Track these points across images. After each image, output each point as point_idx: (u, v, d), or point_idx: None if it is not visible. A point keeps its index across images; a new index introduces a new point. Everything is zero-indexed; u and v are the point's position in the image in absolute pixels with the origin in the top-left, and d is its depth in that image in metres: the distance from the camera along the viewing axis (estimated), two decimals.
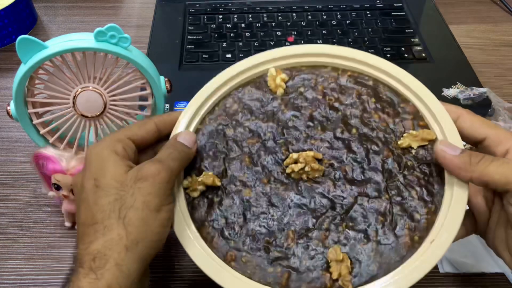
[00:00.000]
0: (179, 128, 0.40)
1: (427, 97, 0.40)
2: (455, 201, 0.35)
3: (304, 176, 0.39)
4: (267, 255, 0.36)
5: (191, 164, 0.40)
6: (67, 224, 0.48)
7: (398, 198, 0.37)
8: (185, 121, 0.41)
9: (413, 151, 0.39)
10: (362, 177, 0.38)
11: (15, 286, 0.45)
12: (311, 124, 0.41)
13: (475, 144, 0.38)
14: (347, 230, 0.36)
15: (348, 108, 0.41)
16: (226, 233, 0.37)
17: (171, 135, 0.40)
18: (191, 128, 0.41)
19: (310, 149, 0.40)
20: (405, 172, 0.38)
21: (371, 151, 0.39)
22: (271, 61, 0.44)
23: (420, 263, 0.34)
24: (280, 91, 0.42)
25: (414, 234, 0.36)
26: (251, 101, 0.42)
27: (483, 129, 0.37)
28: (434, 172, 0.38)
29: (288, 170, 0.39)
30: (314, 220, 0.37)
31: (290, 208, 0.38)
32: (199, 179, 0.39)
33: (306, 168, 0.38)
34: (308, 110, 0.41)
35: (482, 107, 0.58)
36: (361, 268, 0.35)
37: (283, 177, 0.39)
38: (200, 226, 0.38)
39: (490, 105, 0.58)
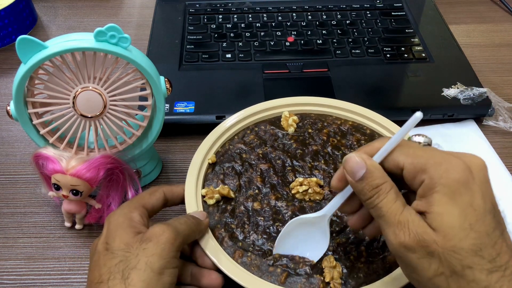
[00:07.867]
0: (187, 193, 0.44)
1: None
2: None
3: (307, 198, 0.44)
4: (270, 257, 0.40)
5: (210, 178, 0.46)
6: (67, 224, 0.48)
7: None
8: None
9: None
10: None
11: (15, 286, 0.45)
12: (315, 157, 0.48)
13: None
14: (341, 245, 0.41)
15: (348, 149, 0.48)
16: (235, 235, 0.42)
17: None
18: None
19: (314, 176, 0.46)
20: None
21: None
22: (285, 106, 0.52)
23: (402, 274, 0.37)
24: (291, 129, 0.50)
25: None
26: (266, 134, 0.50)
27: (401, 157, 0.32)
28: None
29: (293, 191, 0.44)
30: None
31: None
32: (216, 189, 0.44)
33: (310, 191, 0.44)
34: (314, 147, 0.48)
35: (482, 107, 0.58)
36: (350, 275, 0.39)
37: (289, 196, 0.45)
38: (213, 228, 0.42)
39: (490, 105, 0.58)
